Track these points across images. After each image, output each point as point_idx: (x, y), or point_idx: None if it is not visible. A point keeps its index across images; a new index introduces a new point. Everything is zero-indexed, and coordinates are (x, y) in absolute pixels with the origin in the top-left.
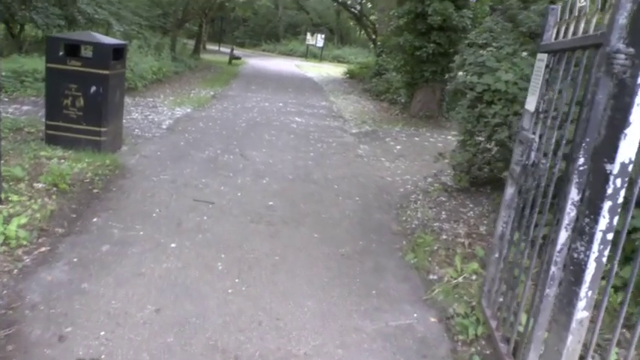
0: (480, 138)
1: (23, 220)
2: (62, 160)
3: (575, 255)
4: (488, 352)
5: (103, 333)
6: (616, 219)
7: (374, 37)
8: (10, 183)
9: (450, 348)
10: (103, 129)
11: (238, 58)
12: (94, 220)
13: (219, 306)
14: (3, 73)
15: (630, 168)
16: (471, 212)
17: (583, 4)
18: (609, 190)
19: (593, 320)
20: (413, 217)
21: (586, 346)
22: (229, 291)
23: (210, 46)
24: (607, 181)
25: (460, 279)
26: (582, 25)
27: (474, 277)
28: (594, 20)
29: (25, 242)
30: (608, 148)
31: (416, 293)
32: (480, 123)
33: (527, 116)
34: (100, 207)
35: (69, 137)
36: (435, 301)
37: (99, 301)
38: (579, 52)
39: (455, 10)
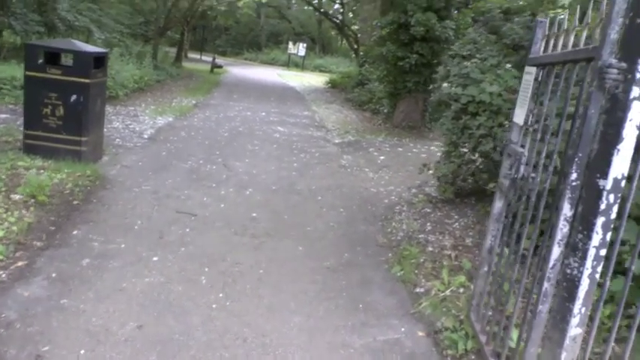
0: (465, 149)
1: None
2: (41, 171)
3: (569, 271)
4: None
5: (82, 352)
6: (609, 235)
7: (356, 46)
8: None
9: None
10: (83, 138)
11: (220, 66)
12: (74, 232)
13: (204, 322)
14: None
15: (623, 184)
16: (456, 224)
17: (564, 17)
18: (602, 206)
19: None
20: (398, 229)
21: None
22: (213, 306)
23: (192, 55)
24: (600, 196)
25: (447, 292)
26: (572, 38)
27: (461, 290)
28: (584, 34)
29: (0, 257)
30: (601, 163)
31: (403, 307)
32: (465, 134)
33: (516, 129)
34: (80, 219)
35: (48, 147)
36: (422, 314)
37: (78, 317)
38: (570, 65)
39: (438, 21)
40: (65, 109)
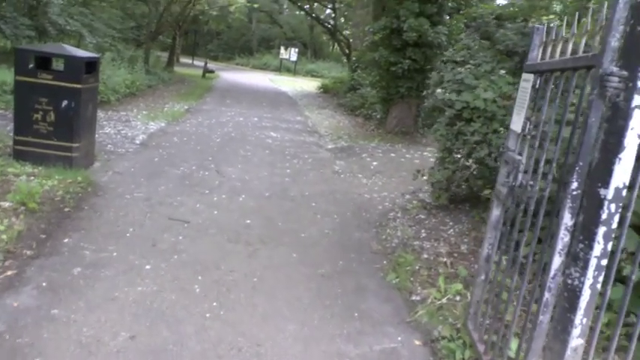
0: (459, 155)
1: None
2: (31, 177)
3: (570, 281)
4: None
5: None
6: (610, 244)
7: (348, 51)
8: None
9: None
10: (74, 144)
11: (212, 71)
12: (65, 240)
13: (198, 332)
14: None
15: (624, 193)
16: (451, 230)
17: (563, 24)
18: (604, 216)
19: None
20: (393, 236)
21: None
22: (207, 315)
23: (183, 59)
24: (601, 206)
25: (444, 300)
26: (571, 45)
27: (457, 297)
28: (583, 41)
29: None
30: (602, 172)
31: (399, 315)
32: (459, 140)
33: (513, 137)
34: (71, 227)
35: (39, 153)
36: (419, 323)
37: (69, 328)
38: (568, 73)
39: (430, 27)
40: (56, 114)
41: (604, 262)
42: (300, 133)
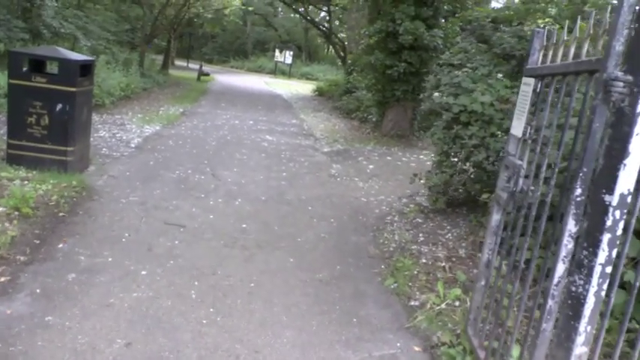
0: (456, 159)
1: None
2: (25, 182)
3: (574, 289)
4: None
5: None
6: (615, 252)
7: (343, 54)
8: None
9: None
10: (69, 148)
11: (207, 74)
12: (60, 246)
13: (194, 339)
14: None
15: (629, 199)
16: (449, 234)
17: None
18: (608, 222)
19: None
20: (390, 240)
21: None
22: (204, 322)
23: (178, 62)
24: (606, 212)
25: (443, 305)
26: (573, 49)
27: (457, 303)
28: (586, 45)
29: None
30: (607, 178)
31: (398, 320)
32: (457, 144)
33: (514, 141)
34: (65, 232)
35: (33, 157)
36: (418, 328)
37: (64, 336)
38: (571, 77)
39: (426, 30)
40: (50, 118)
41: (608, 269)
42: (295, 137)
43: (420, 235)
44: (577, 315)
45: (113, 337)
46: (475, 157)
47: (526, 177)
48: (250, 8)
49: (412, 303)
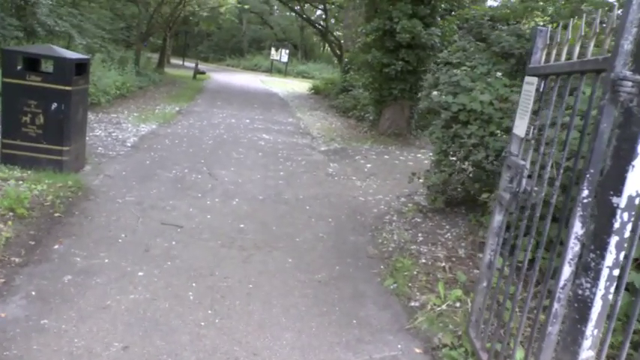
0: (455, 158)
1: None
2: (20, 182)
3: (580, 292)
4: None
5: None
6: (622, 254)
7: (339, 52)
8: None
9: None
10: (64, 148)
11: (203, 72)
12: (55, 247)
13: (192, 341)
14: None
15: (637, 201)
16: (448, 234)
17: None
18: (616, 225)
19: None
20: (389, 240)
21: None
22: (202, 324)
23: (174, 61)
24: (614, 214)
25: (444, 306)
26: (578, 48)
27: (457, 304)
28: (592, 44)
29: None
30: (615, 180)
31: (398, 322)
32: (456, 143)
33: (516, 141)
34: (61, 233)
35: (28, 157)
36: (418, 330)
37: (60, 339)
38: (576, 76)
39: (423, 28)
40: (45, 117)
41: (616, 272)
42: (292, 135)
43: (419, 234)
44: (584, 318)
45: (110, 340)
46: (474, 157)
47: (529, 177)
48: (246, 6)
49: (412, 304)
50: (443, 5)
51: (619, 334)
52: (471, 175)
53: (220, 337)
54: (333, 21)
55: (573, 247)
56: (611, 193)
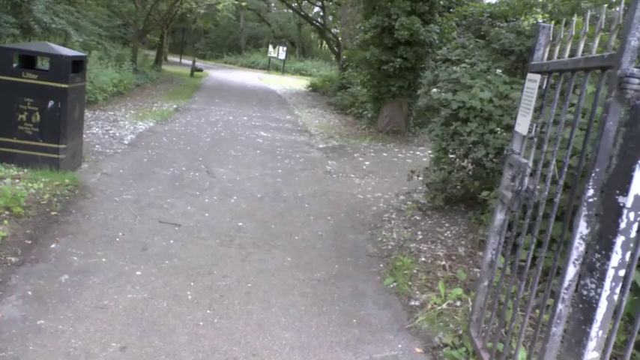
0: (454, 156)
1: None
2: (16, 180)
3: (585, 292)
4: None
5: None
6: (628, 255)
7: (337, 50)
8: None
9: None
10: (61, 146)
11: (200, 70)
12: (52, 246)
13: (191, 341)
14: None
15: None
16: (448, 232)
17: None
18: (622, 225)
19: None
20: (388, 238)
21: None
22: (200, 324)
23: (171, 58)
24: (620, 214)
25: (444, 305)
26: (582, 45)
27: (458, 303)
28: (597, 41)
29: None
30: (621, 179)
31: (398, 321)
32: (455, 141)
33: (518, 139)
34: (58, 231)
35: (24, 155)
36: (419, 329)
37: (57, 339)
38: (580, 73)
39: (422, 25)
40: (42, 115)
41: (621, 272)
42: (290, 133)
43: (419, 232)
44: (588, 319)
45: (108, 340)
46: (474, 154)
47: (531, 175)
48: (243, 3)
49: (412, 303)
50: (441, 2)
51: (620, 334)
52: (470, 172)
53: (219, 337)
54: (330, 18)
55: (578, 247)
56: (617, 192)
